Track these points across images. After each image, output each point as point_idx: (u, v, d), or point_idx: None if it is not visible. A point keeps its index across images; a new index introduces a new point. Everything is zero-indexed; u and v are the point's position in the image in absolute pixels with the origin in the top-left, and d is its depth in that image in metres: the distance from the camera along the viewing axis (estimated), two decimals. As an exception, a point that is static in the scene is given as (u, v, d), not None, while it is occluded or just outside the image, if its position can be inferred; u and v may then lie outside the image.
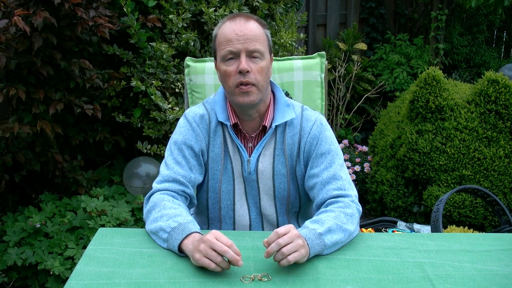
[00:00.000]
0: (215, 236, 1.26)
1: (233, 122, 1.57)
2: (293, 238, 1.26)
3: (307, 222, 1.42)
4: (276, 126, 1.60)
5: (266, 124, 1.58)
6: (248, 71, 1.46)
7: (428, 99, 3.07)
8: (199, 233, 1.36)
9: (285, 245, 1.24)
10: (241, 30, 1.47)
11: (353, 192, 1.54)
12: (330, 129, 1.64)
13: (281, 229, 1.27)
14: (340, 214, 1.44)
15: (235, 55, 1.48)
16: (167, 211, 1.43)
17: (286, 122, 1.60)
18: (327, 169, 1.55)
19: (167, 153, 1.61)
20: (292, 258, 1.25)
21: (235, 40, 1.47)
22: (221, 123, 1.60)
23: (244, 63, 1.46)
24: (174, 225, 1.37)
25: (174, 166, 1.56)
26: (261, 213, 1.68)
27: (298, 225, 1.74)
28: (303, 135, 1.60)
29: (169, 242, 1.36)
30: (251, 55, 1.48)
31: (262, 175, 1.62)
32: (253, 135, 1.60)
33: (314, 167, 1.57)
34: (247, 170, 1.61)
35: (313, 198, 1.58)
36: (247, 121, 1.59)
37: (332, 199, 1.51)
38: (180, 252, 1.35)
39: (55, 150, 2.67)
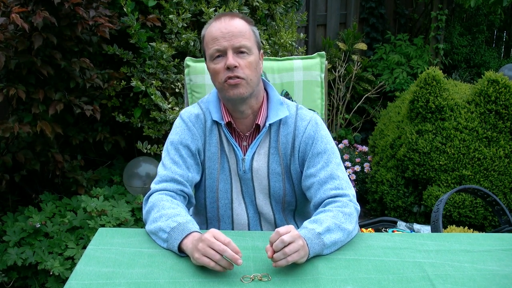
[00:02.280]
0: (213, 234, 1.26)
1: (227, 120, 1.58)
2: (295, 237, 1.26)
3: (305, 222, 1.42)
4: (270, 125, 1.60)
5: (259, 123, 1.58)
6: (236, 66, 1.47)
7: (428, 99, 3.07)
8: (198, 232, 1.36)
9: (289, 244, 1.25)
10: (225, 27, 1.49)
11: (351, 191, 1.54)
12: (326, 128, 1.64)
13: (282, 229, 1.27)
14: (338, 214, 1.44)
15: (222, 53, 1.49)
16: (166, 211, 1.43)
17: (280, 121, 1.60)
18: (323, 168, 1.55)
19: (164, 154, 1.61)
20: (291, 259, 1.25)
21: (220, 38, 1.48)
22: (216, 123, 1.61)
23: (231, 58, 1.47)
24: (173, 225, 1.37)
25: (172, 165, 1.57)
26: (258, 212, 1.68)
27: (296, 223, 1.74)
28: (298, 134, 1.60)
29: (169, 242, 1.36)
30: (238, 50, 1.49)
31: (257, 173, 1.62)
32: (247, 134, 1.61)
33: (310, 167, 1.57)
34: (242, 168, 1.61)
35: (311, 198, 1.58)
36: (240, 119, 1.59)
37: (330, 199, 1.51)
38: (180, 252, 1.35)
39: (55, 150, 2.67)
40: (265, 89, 1.64)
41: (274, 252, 1.26)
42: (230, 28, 1.48)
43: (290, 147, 1.61)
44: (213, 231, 1.28)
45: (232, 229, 1.69)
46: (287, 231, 1.26)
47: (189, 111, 1.63)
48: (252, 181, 1.63)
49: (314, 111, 1.75)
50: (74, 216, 2.60)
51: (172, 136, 1.61)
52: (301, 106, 1.65)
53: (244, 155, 1.61)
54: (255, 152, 1.61)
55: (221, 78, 1.50)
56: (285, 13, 3.32)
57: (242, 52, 1.49)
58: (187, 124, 1.61)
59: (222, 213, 1.68)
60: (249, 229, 1.69)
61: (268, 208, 1.67)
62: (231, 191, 1.65)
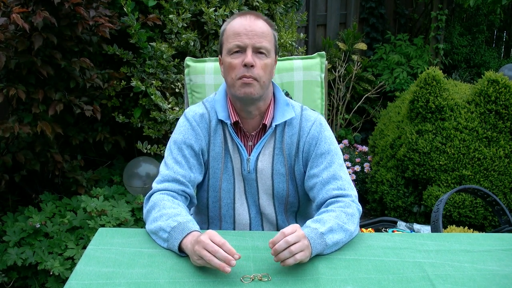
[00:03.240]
0: (209, 236, 1.26)
1: (234, 120, 1.58)
2: (300, 237, 1.27)
3: (308, 222, 1.42)
4: (276, 126, 1.60)
5: (266, 123, 1.58)
6: (252, 65, 1.48)
7: (428, 99, 3.07)
8: (198, 232, 1.36)
9: (293, 244, 1.25)
10: (250, 25, 1.49)
11: (353, 192, 1.54)
12: (330, 129, 1.64)
13: (288, 229, 1.27)
14: (341, 214, 1.44)
15: (242, 49, 1.50)
16: (167, 210, 1.43)
17: (285, 122, 1.61)
18: (326, 169, 1.55)
19: (166, 153, 1.61)
20: (299, 257, 1.26)
21: (243, 34, 1.49)
22: (221, 122, 1.60)
23: (249, 57, 1.48)
24: (174, 224, 1.37)
25: (174, 165, 1.56)
26: (260, 212, 1.68)
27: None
28: (302, 135, 1.60)
29: (169, 241, 1.36)
30: (257, 51, 1.50)
31: (261, 174, 1.62)
32: (253, 134, 1.61)
33: (313, 167, 1.58)
34: (247, 169, 1.61)
35: (313, 198, 1.58)
36: (247, 119, 1.59)
37: (333, 199, 1.51)
38: (180, 252, 1.35)
39: (55, 150, 2.67)
40: (273, 90, 1.64)
41: (277, 253, 1.25)
42: (254, 27, 1.49)
43: (295, 147, 1.61)
44: (209, 232, 1.28)
45: (234, 229, 1.69)
46: (292, 231, 1.27)
47: (193, 110, 1.63)
48: (256, 181, 1.63)
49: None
50: (74, 216, 2.60)
51: (176, 136, 1.61)
52: (306, 107, 1.66)
53: (249, 155, 1.61)
54: (260, 152, 1.61)
55: (235, 74, 1.50)
56: (285, 13, 3.32)
57: (261, 53, 1.50)
58: (191, 123, 1.60)
59: (224, 213, 1.68)
60: (250, 229, 1.69)
61: (271, 209, 1.67)
62: (234, 191, 1.65)
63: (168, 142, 1.63)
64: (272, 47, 1.53)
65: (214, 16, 2.76)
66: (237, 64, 1.49)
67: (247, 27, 1.49)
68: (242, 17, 1.52)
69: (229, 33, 1.52)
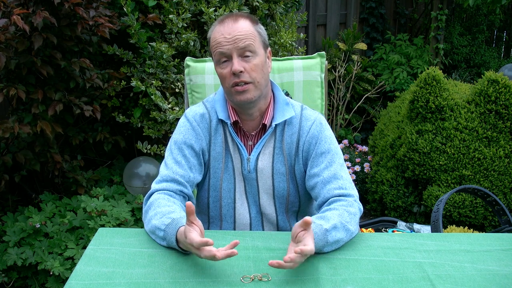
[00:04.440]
0: (189, 243, 1.25)
1: (233, 120, 1.58)
2: (311, 252, 1.24)
3: (313, 217, 1.41)
4: (276, 125, 1.60)
5: (266, 123, 1.58)
6: (241, 71, 1.47)
7: (428, 99, 3.07)
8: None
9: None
10: (229, 32, 1.47)
11: (354, 192, 1.54)
12: (330, 128, 1.64)
13: (307, 249, 1.21)
14: (344, 213, 1.44)
15: (227, 57, 1.48)
16: (161, 209, 1.44)
17: (285, 121, 1.61)
18: (327, 168, 1.55)
19: (167, 153, 1.61)
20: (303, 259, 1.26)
21: (224, 42, 1.47)
22: (222, 122, 1.60)
23: (236, 64, 1.46)
24: (168, 221, 1.37)
25: (173, 166, 1.56)
26: (260, 212, 1.68)
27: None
28: (302, 134, 1.60)
29: (167, 239, 1.36)
30: (243, 54, 1.48)
31: (262, 173, 1.62)
32: (253, 133, 1.61)
33: (314, 167, 1.58)
34: (247, 168, 1.61)
35: (315, 197, 1.59)
36: (247, 120, 1.59)
37: (335, 198, 1.51)
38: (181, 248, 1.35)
39: (55, 150, 2.66)
40: (271, 89, 1.64)
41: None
42: (234, 33, 1.47)
43: (295, 147, 1.61)
44: (190, 238, 1.25)
45: (234, 229, 1.69)
46: (311, 252, 1.23)
47: (194, 111, 1.63)
48: (257, 181, 1.63)
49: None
50: (74, 216, 2.60)
51: (176, 136, 1.61)
52: (305, 106, 1.66)
53: (249, 155, 1.61)
54: (260, 152, 1.61)
55: (228, 83, 1.50)
56: (285, 13, 3.32)
57: (247, 56, 1.48)
58: (192, 123, 1.61)
59: (224, 213, 1.68)
60: (251, 229, 1.69)
61: (272, 209, 1.67)
62: (234, 191, 1.65)
63: (169, 143, 1.63)
64: (258, 45, 1.51)
65: (214, 16, 2.76)
66: (227, 73, 1.49)
67: (226, 35, 1.47)
68: (220, 25, 1.50)
69: (213, 43, 1.51)
